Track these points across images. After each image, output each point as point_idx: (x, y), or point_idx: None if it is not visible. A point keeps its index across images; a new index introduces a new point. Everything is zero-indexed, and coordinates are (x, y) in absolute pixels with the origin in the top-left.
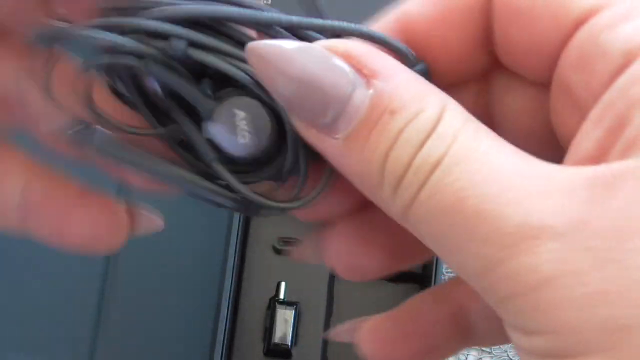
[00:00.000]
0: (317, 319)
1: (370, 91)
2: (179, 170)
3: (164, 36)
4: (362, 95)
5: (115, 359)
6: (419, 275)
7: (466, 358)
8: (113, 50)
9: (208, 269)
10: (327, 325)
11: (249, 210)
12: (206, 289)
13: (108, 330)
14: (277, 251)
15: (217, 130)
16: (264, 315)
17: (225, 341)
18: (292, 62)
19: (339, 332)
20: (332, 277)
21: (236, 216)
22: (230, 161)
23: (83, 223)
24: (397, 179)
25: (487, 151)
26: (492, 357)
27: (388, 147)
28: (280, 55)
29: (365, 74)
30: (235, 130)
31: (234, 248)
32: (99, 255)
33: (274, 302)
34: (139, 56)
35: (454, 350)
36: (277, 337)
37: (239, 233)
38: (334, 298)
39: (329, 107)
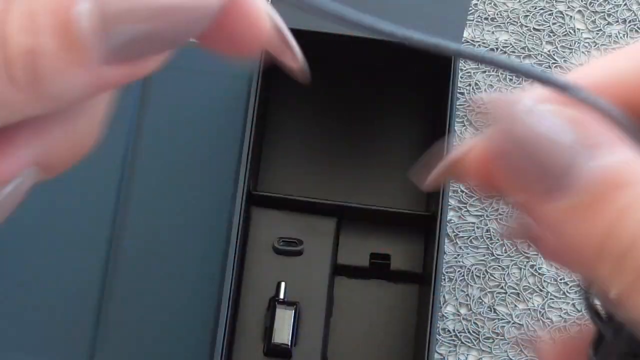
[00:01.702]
0: (317, 319)
1: (596, 162)
2: None
3: None
4: (585, 166)
5: (115, 359)
6: (419, 275)
7: (466, 358)
8: None
9: (208, 269)
10: (327, 325)
11: None
12: (206, 289)
13: (108, 330)
14: (277, 251)
15: None
16: (264, 315)
17: (225, 341)
18: (522, 121)
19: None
20: (332, 277)
21: (236, 216)
22: None
23: None
24: (619, 257)
25: None
26: (492, 357)
27: (611, 223)
28: (513, 112)
29: (589, 143)
30: None
31: (234, 248)
32: (99, 255)
33: (274, 302)
34: None
35: None
36: (277, 337)
37: (239, 233)
38: (334, 298)
39: (550, 173)
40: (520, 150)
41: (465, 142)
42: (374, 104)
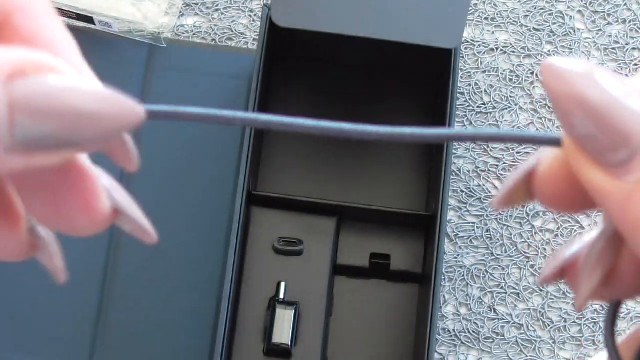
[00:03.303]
0: (317, 319)
1: None
2: None
3: None
4: None
5: (115, 359)
6: (419, 275)
7: (466, 358)
8: None
9: (208, 269)
10: (327, 325)
11: None
12: (206, 289)
13: (108, 330)
14: (277, 251)
15: None
16: (264, 315)
17: (225, 341)
18: (590, 86)
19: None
20: (332, 277)
21: (236, 216)
22: None
23: None
24: None
25: None
26: (492, 357)
27: None
28: (578, 77)
29: None
30: None
31: (234, 248)
32: (99, 255)
33: (274, 302)
34: None
35: None
36: (277, 337)
37: (239, 233)
38: (334, 298)
39: (626, 142)
40: (597, 115)
41: (530, 159)
42: (373, 104)
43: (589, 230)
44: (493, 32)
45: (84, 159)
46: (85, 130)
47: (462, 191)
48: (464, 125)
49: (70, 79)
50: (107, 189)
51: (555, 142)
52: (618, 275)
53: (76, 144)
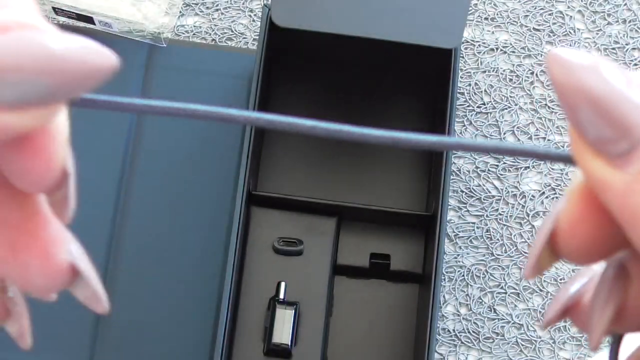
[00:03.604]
0: (317, 319)
1: None
2: None
3: None
4: None
5: (115, 359)
6: (418, 275)
7: (466, 358)
8: None
9: (208, 268)
10: (327, 325)
11: None
12: (206, 289)
13: (108, 330)
14: (277, 251)
15: None
16: (264, 315)
17: (225, 341)
18: (594, 77)
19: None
20: (332, 277)
21: (236, 216)
22: None
23: None
24: None
25: None
26: (492, 357)
27: None
28: (582, 67)
29: None
30: None
31: (234, 248)
32: (99, 255)
33: (274, 302)
34: None
35: None
36: (277, 337)
37: (239, 233)
38: (334, 298)
39: (627, 133)
40: (600, 106)
41: (549, 215)
42: (373, 104)
43: (586, 270)
44: (493, 32)
45: (48, 210)
46: (67, 81)
47: (462, 191)
48: (464, 125)
49: (50, 32)
50: (71, 252)
51: (547, 156)
52: (626, 311)
53: (58, 96)
